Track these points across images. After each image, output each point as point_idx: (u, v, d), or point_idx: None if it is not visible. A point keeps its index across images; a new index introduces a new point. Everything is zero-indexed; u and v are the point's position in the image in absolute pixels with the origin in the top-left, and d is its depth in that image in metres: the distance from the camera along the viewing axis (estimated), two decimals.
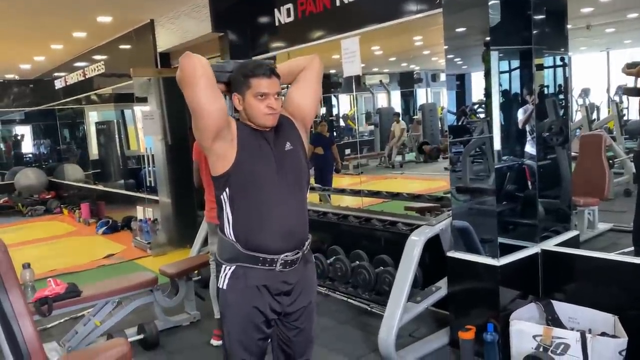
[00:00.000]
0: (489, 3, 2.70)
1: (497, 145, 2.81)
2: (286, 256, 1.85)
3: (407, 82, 15.73)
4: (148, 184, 6.51)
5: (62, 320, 3.92)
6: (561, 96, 3.23)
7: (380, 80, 15.11)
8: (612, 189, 6.00)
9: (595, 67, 12.59)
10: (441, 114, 13.38)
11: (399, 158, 12.94)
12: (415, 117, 14.95)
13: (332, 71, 11.26)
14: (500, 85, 2.95)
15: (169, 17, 5.82)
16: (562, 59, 3.18)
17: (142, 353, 3.38)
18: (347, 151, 14.15)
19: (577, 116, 9.28)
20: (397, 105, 15.76)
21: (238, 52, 4.94)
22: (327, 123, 8.99)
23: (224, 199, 1.84)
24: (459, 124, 3.24)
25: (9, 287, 2.04)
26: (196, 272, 4.15)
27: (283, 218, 1.84)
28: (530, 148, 2.98)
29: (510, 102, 2.97)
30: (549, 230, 3.14)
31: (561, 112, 3.20)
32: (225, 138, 1.79)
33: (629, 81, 5.46)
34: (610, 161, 6.08)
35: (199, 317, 3.85)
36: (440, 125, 13.33)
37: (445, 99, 3.16)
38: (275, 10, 4.61)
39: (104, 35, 6.86)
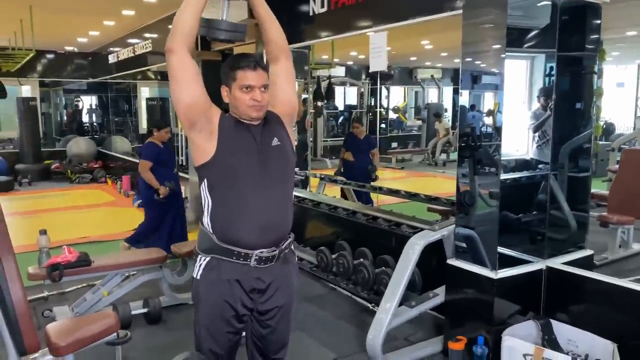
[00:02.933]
0: (508, 5, 2.58)
1: (504, 152, 2.69)
2: (261, 252, 1.84)
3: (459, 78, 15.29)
4: (180, 162, 6.68)
5: (79, 287, 4.10)
6: (579, 104, 3.05)
7: (432, 75, 14.79)
8: None
9: None
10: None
11: (443, 156, 12.69)
12: None
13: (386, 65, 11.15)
14: (519, 89, 2.84)
15: (212, 0, 5.89)
16: (588, 66, 2.99)
17: (143, 326, 3.50)
18: (394, 144, 14.07)
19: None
20: (448, 101, 15.41)
21: None
22: (361, 123, 6.89)
23: (203, 190, 1.86)
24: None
25: (1, 253, 2.16)
26: None
27: (261, 213, 1.84)
28: (539, 155, 2.84)
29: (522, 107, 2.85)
30: (563, 246, 3.00)
31: (583, 122, 3.02)
32: (203, 130, 1.81)
33: None
34: None
35: None
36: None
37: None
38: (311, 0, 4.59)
39: (153, 14, 7.05)
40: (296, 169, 4.50)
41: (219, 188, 1.83)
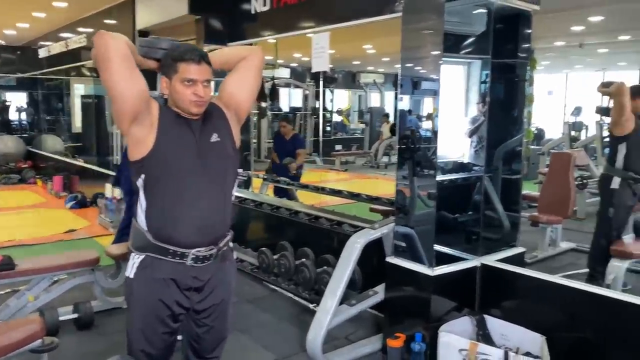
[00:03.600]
0: (445, 11, 2.65)
1: (440, 154, 2.76)
2: (198, 251, 1.79)
3: None
4: (115, 162, 6.43)
5: (2, 292, 3.85)
6: (512, 110, 3.18)
7: (374, 80, 15.06)
8: (583, 209, 6.00)
9: (590, 86, 12.65)
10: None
11: (385, 159, 12.93)
12: None
13: (329, 65, 11.24)
14: (453, 95, 2.92)
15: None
16: (520, 74, 3.13)
17: (74, 332, 3.33)
18: (338, 147, 14.20)
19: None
20: (390, 105, 15.74)
21: (214, 37, 4.87)
22: (290, 122, 6.20)
23: (139, 186, 1.79)
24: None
25: None
26: None
27: (199, 211, 1.79)
28: (475, 158, 2.94)
29: (459, 111, 2.94)
30: (497, 244, 3.11)
31: (516, 127, 3.16)
32: (143, 123, 1.73)
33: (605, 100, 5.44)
34: (585, 181, 6.08)
35: None
36: None
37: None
38: None
39: (86, 8, 6.77)
40: (239, 170, 4.47)
41: (155, 185, 1.76)
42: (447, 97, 2.80)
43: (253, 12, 4.58)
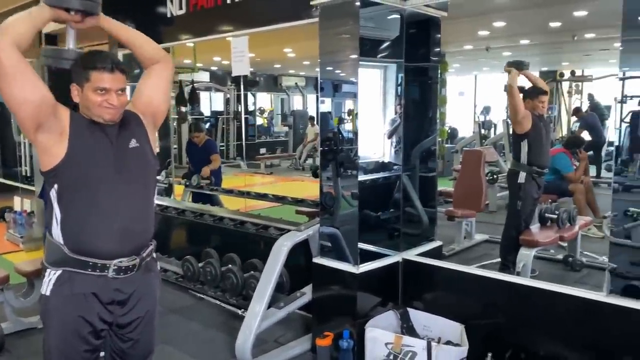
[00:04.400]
0: (360, 17, 2.74)
1: (361, 154, 2.86)
2: (120, 262, 1.73)
3: None
4: (24, 173, 6.03)
5: None
6: (426, 111, 3.35)
7: (296, 83, 15.17)
8: (494, 202, 6.39)
9: (497, 86, 13.49)
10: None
11: (309, 161, 13.05)
12: None
13: (250, 69, 11.16)
14: (372, 96, 3.03)
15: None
16: (432, 76, 3.30)
17: None
18: (262, 150, 14.14)
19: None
20: (312, 108, 15.90)
21: None
22: (201, 131, 5.79)
23: (52, 197, 1.70)
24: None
25: None
26: None
27: (119, 220, 1.73)
28: (395, 158, 3.06)
29: (378, 113, 3.05)
30: (416, 239, 3.25)
31: (430, 127, 3.33)
32: (51, 130, 1.65)
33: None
34: (495, 176, 6.49)
35: None
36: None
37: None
38: (168, 1, 4.45)
39: None
40: (159, 177, 4.35)
41: (71, 194, 1.69)
42: (366, 100, 2.91)
43: (169, 15, 4.48)
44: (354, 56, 2.80)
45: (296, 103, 16.35)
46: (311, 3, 2.89)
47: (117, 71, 1.70)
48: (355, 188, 2.88)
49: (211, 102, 15.33)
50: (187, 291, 4.07)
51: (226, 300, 3.71)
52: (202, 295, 3.94)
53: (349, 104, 3.02)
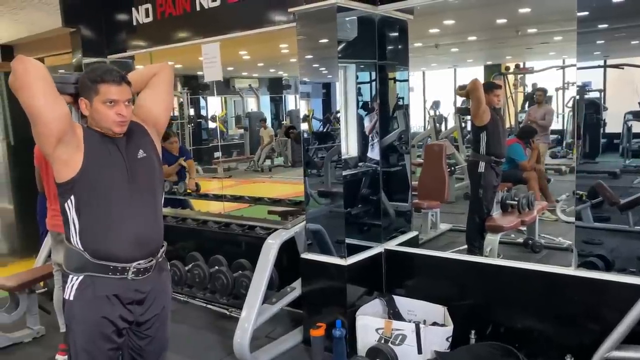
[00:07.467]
0: (337, 21, 2.91)
1: (344, 152, 3.02)
2: (139, 264, 1.83)
3: (276, 87, 16.00)
4: None
5: None
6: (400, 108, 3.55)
7: (250, 85, 15.15)
8: (453, 193, 6.69)
9: (444, 81, 13.99)
10: None
11: (268, 162, 13.10)
12: (284, 122, 15.24)
13: (200, 73, 11.06)
14: (352, 95, 3.19)
15: (12, 7, 5.30)
16: (402, 74, 3.51)
17: None
18: (218, 154, 14.04)
19: (428, 126, 10.24)
20: (267, 109, 15.93)
21: (92, 49, 4.67)
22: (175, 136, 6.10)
23: (69, 207, 1.78)
24: (324, 131, 3.44)
25: None
26: (41, 284, 3.84)
27: (135, 226, 1.82)
28: (373, 154, 3.24)
29: (360, 111, 3.22)
30: (394, 231, 3.45)
31: (401, 123, 3.53)
32: (70, 144, 1.74)
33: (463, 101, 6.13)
34: (452, 168, 6.80)
35: (43, 332, 3.57)
36: None
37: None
38: (133, 9, 4.45)
39: None
40: None
41: (89, 204, 1.78)
42: (345, 99, 3.07)
43: (135, 23, 4.49)
44: (332, 57, 2.96)
45: (250, 105, 16.33)
46: (289, 10, 3.03)
47: (123, 83, 1.80)
48: (339, 184, 3.03)
49: None
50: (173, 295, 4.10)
51: (216, 300, 3.78)
52: (187, 299, 3.99)
53: (328, 104, 3.17)
